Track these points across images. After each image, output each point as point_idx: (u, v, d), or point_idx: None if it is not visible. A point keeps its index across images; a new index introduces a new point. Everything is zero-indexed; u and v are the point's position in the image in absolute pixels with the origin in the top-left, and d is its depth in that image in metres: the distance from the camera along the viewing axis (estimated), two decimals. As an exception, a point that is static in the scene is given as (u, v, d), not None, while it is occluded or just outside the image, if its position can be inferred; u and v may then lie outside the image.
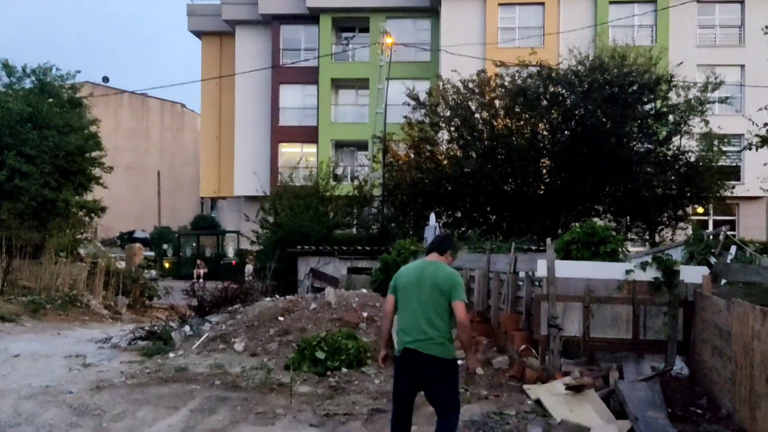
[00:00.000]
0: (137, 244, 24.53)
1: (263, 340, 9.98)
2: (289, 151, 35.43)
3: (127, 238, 36.69)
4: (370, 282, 15.59)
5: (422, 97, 21.14)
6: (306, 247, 19.17)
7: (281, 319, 10.59)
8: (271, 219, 23.02)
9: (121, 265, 19.81)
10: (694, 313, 8.29)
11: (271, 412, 6.96)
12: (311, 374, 8.50)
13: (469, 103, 19.50)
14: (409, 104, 21.01)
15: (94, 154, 21.67)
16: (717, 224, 27.79)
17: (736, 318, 6.87)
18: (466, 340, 5.14)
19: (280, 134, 35.38)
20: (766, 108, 15.78)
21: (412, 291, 5.09)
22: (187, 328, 11.20)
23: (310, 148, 34.70)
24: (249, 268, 22.11)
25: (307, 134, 35.03)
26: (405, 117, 21.33)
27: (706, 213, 27.14)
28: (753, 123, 15.89)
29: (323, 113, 34.89)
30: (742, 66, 28.23)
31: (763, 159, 19.65)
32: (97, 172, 21.91)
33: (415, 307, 5.06)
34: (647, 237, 20.13)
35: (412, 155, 20.81)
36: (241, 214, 26.13)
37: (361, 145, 33.53)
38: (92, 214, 21.91)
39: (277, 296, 13.38)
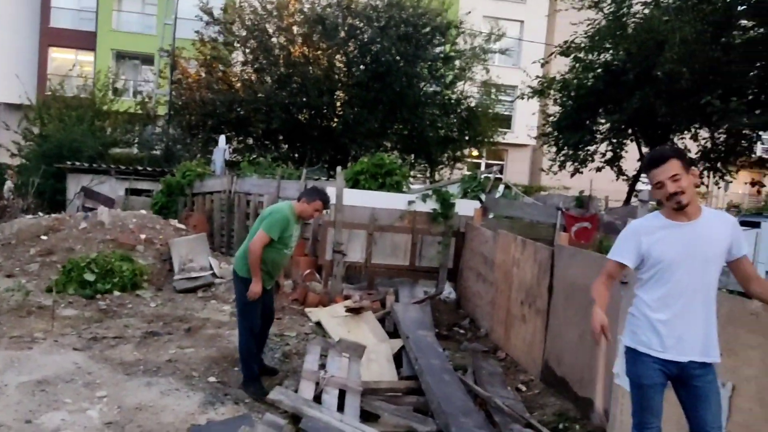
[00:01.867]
0: None
1: (22, 261, 8.97)
2: (61, 57, 31.56)
3: None
4: (151, 204, 14.69)
5: (217, 13, 19.91)
6: (78, 163, 17.40)
7: (44, 238, 9.58)
8: (36, 130, 20.51)
9: None
10: (465, 242, 8.99)
11: (29, 336, 6.29)
12: (78, 297, 7.85)
13: (266, 25, 18.78)
14: (202, 19, 19.68)
15: None
16: (489, 167, 30.34)
17: (500, 247, 7.55)
18: (251, 264, 5.24)
19: (51, 37, 31.32)
20: (540, 61, 17.29)
21: None
22: (-76, 245, 9.68)
23: (87, 56, 31.26)
24: (9, 183, 19.58)
25: (84, 40, 31.43)
26: (197, 32, 19.97)
27: (480, 156, 29.45)
28: (527, 74, 17.35)
29: (103, 19, 31.47)
30: (522, 21, 30.53)
31: (532, 110, 21.68)
32: None
33: None
34: (428, 175, 21.36)
35: (203, 74, 19.66)
36: (0, 122, 22.89)
37: (147, 59, 30.95)
38: None
39: (41, 214, 12.06)
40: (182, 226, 11.22)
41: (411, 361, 6.01)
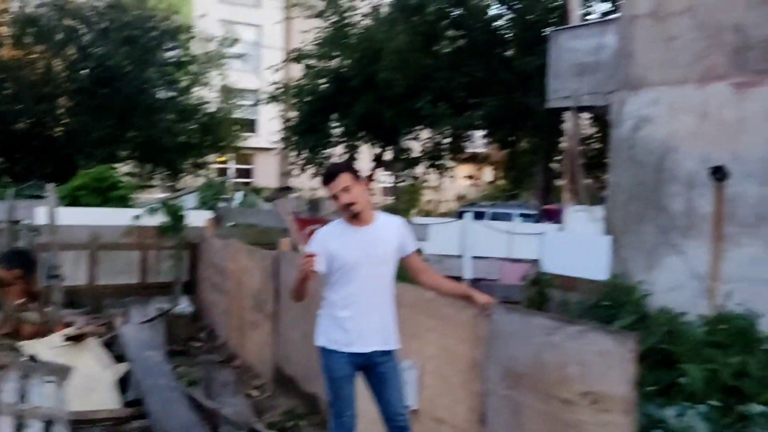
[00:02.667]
0: None
1: None
2: None
3: None
4: None
5: None
6: None
7: None
8: None
9: None
10: (199, 254, 8.88)
11: None
12: None
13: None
14: None
15: None
16: (238, 172, 30.14)
17: (231, 256, 7.61)
18: None
19: None
20: (274, 68, 17.66)
21: None
22: None
23: None
24: None
25: None
26: None
27: (227, 161, 29.12)
28: (263, 81, 17.63)
29: None
30: (259, 26, 30.68)
31: (275, 115, 22.03)
32: None
33: None
34: (171, 184, 20.64)
35: None
36: None
37: None
38: None
39: None
40: None
41: (136, 384, 5.80)
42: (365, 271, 3.53)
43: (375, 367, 3.59)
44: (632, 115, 8.62)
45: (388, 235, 3.61)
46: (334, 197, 3.54)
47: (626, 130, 8.70)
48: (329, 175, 3.54)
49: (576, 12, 10.10)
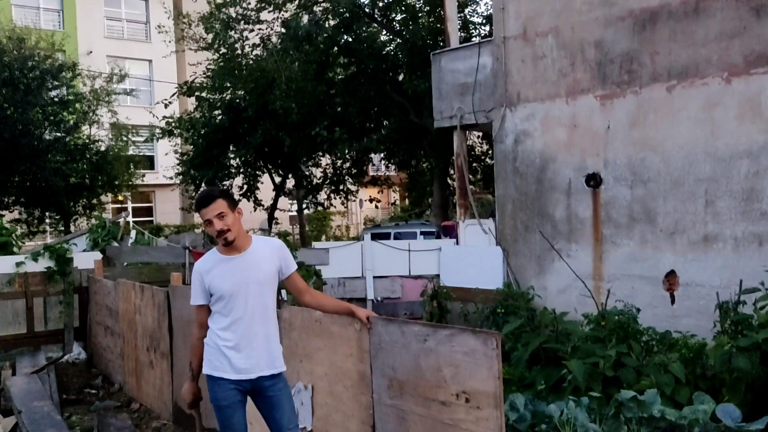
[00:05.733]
0: None
1: None
2: None
3: None
4: None
5: None
6: None
7: None
8: None
9: None
10: (89, 297, 8.55)
11: None
12: None
13: None
14: None
15: None
16: (137, 211, 29.13)
17: (122, 296, 7.38)
18: None
19: None
20: (164, 102, 17.26)
21: None
22: None
23: None
24: None
25: None
26: None
27: (124, 200, 28.09)
28: (154, 116, 17.23)
29: None
30: (150, 61, 29.95)
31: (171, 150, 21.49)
32: None
33: None
34: (63, 227, 19.71)
35: None
36: None
37: None
38: None
39: None
40: None
41: (24, 437, 5.52)
42: (244, 298, 3.53)
43: (263, 391, 3.59)
44: (512, 130, 9.08)
45: (265, 259, 3.62)
46: (208, 223, 3.53)
47: (508, 144, 9.15)
48: (204, 200, 3.51)
49: (455, 34, 10.52)
